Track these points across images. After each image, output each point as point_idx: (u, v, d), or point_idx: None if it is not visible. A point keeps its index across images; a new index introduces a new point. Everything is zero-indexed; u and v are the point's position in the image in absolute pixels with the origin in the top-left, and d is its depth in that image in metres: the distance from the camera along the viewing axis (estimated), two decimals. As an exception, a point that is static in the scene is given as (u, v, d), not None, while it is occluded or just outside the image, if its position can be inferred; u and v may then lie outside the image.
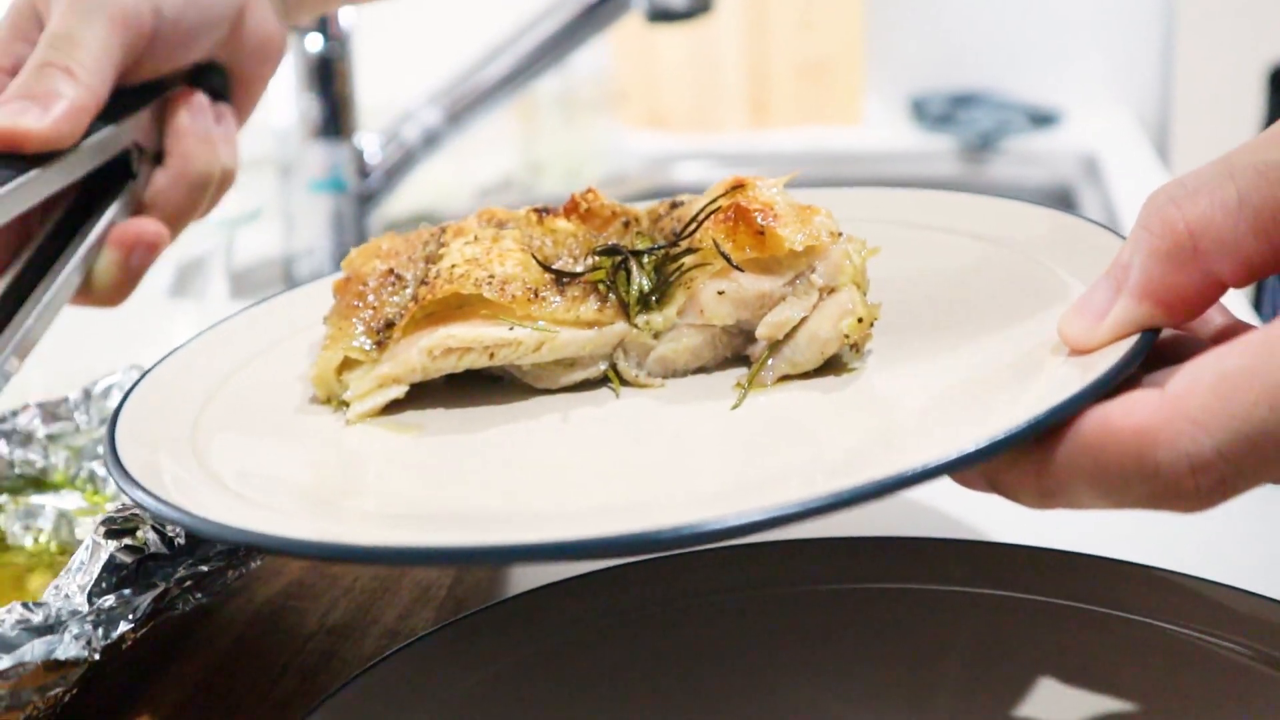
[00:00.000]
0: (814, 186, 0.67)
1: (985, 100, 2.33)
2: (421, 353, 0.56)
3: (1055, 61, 2.43)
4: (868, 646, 0.56)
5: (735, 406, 0.54)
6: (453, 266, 0.57)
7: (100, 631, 0.50)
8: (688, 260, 0.56)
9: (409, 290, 0.60)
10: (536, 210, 0.63)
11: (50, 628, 0.49)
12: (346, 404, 0.57)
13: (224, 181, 0.73)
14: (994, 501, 0.74)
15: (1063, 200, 1.97)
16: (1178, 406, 0.39)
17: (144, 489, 0.47)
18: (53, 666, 0.48)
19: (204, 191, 0.71)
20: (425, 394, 0.58)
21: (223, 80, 0.75)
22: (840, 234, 0.55)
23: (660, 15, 1.49)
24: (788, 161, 2.16)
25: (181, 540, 0.54)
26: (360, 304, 0.60)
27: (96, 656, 0.49)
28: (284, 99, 1.40)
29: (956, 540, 0.60)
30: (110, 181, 0.69)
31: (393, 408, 0.57)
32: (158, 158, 0.72)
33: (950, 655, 0.55)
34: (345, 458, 0.55)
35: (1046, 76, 2.42)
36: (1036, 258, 0.58)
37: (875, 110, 2.44)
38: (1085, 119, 2.27)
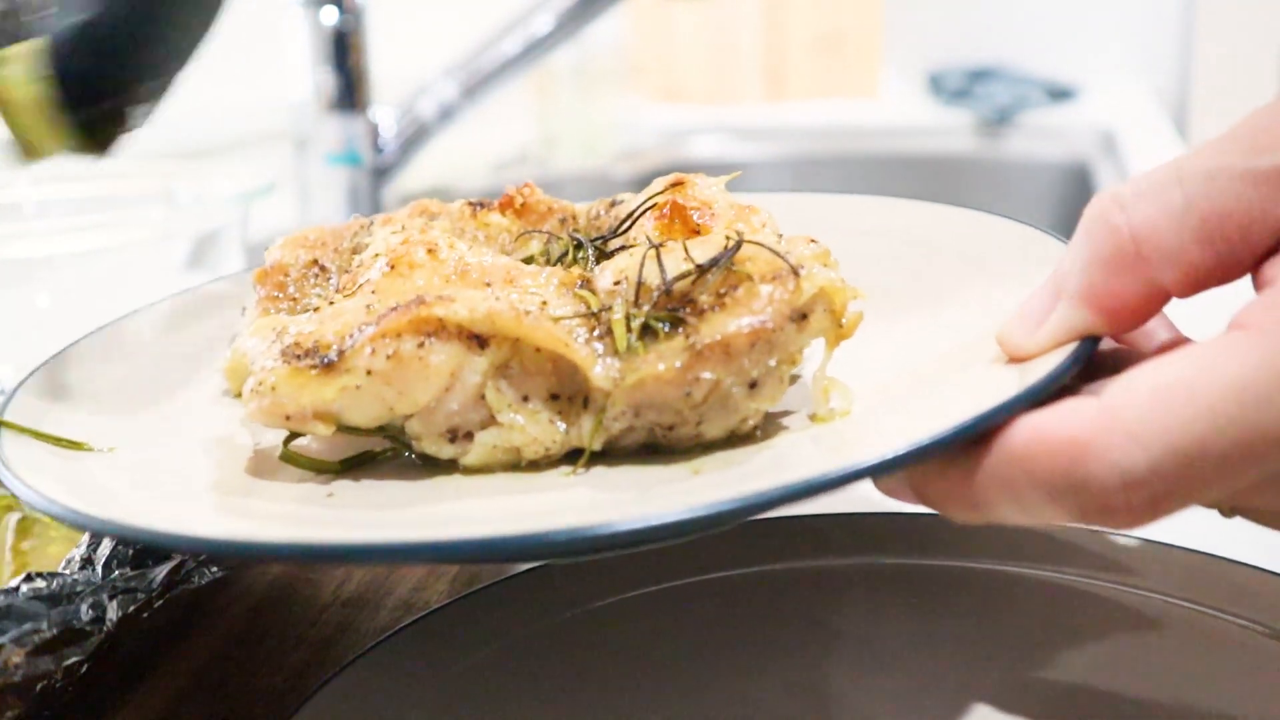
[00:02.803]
0: (821, 163, 0.67)
1: (1003, 74, 2.31)
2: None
3: (1073, 36, 2.42)
4: (890, 622, 0.56)
5: None
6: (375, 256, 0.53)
7: (116, 603, 0.50)
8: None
9: (332, 282, 0.58)
10: (471, 204, 0.60)
11: (66, 597, 0.49)
12: None
13: None
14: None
15: (1080, 176, 1.97)
16: (1112, 417, 0.37)
17: (32, 488, 0.44)
18: (69, 636, 0.48)
19: None
20: None
21: None
22: (780, 235, 0.53)
23: (676, -12, 1.49)
24: (803, 135, 2.16)
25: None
26: (280, 295, 0.58)
27: (112, 627, 0.49)
28: (299, 72, 1.40)
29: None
30: None
31: None
32: None
33: (955, 629, 0.55)
34: (254, 455, 0.51)
35: (1065, 51, 2.40)
36: (979, 263, 0.56)
37: (892, 84, 2.43)
38: (1103, 94, 2.26)
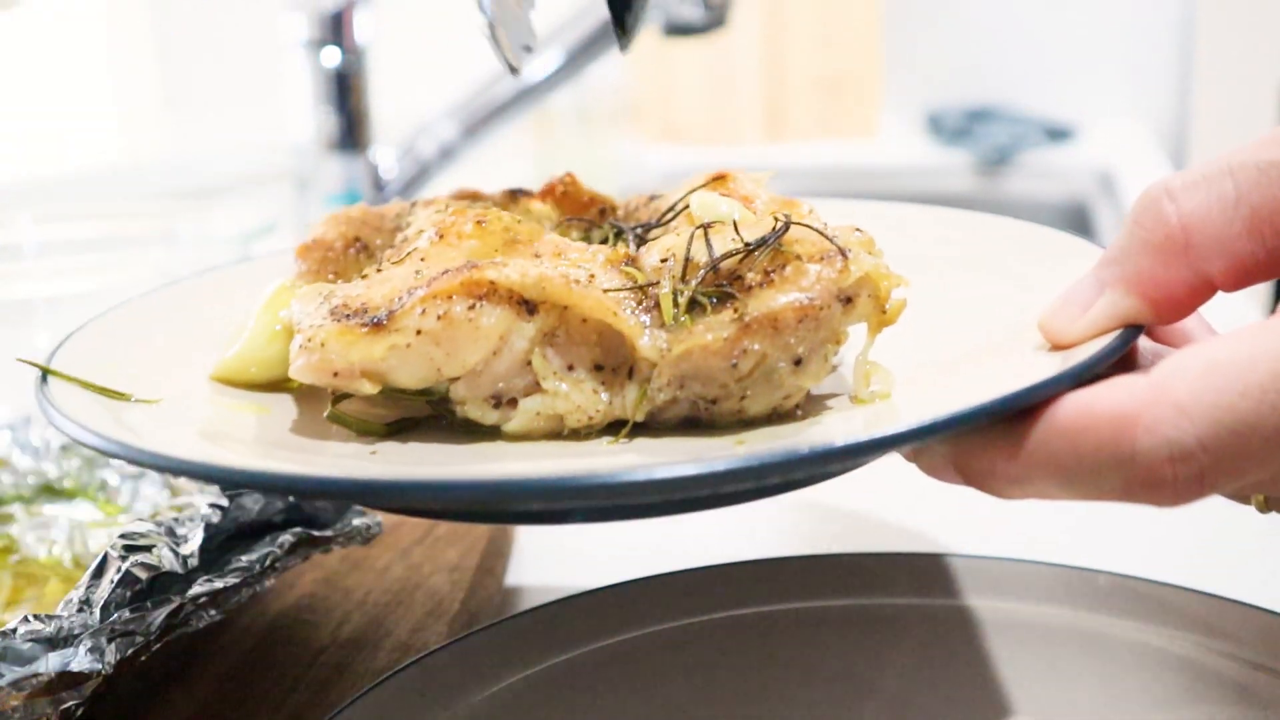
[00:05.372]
0: (826, 196, 0.66)
1: (1001, 115, 2.33)
2: None
3: (1072, 76, 2.43)
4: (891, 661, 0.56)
5: None
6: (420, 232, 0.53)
7: (114, 646, 0.50)
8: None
9: (376, 263, 0.57)
10: (511, 191, 0.61)
11: (64, 640, 0.49)
12: None
13: None
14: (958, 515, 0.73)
15: (1078, 216, 1.97)
16: (1162, 391, 0.37)
17: (77, 423, 0.44)
18: (67, 679, 0.48)
19: None
20: None
21: None
22: (825, 224, 0.53)
23: (676, 30, 1.49)
24: (803, 175, 2.17)
25: (195, 561, 0.54)
26: (322, 269, 0.58)
27: (110, 670, 0.49)
28: (300, 112, 1.41)
29: (953, 555, 0.60)
30: None
31: None
32: None
33: (955, 669, 0.55)
34: (299, 417, 0.52)
35: (1063, 91, 2.42)
36: (1022, 267, 0.56)
37: (891, 124, 2.44)
38: (1101, 134, 2.27)
